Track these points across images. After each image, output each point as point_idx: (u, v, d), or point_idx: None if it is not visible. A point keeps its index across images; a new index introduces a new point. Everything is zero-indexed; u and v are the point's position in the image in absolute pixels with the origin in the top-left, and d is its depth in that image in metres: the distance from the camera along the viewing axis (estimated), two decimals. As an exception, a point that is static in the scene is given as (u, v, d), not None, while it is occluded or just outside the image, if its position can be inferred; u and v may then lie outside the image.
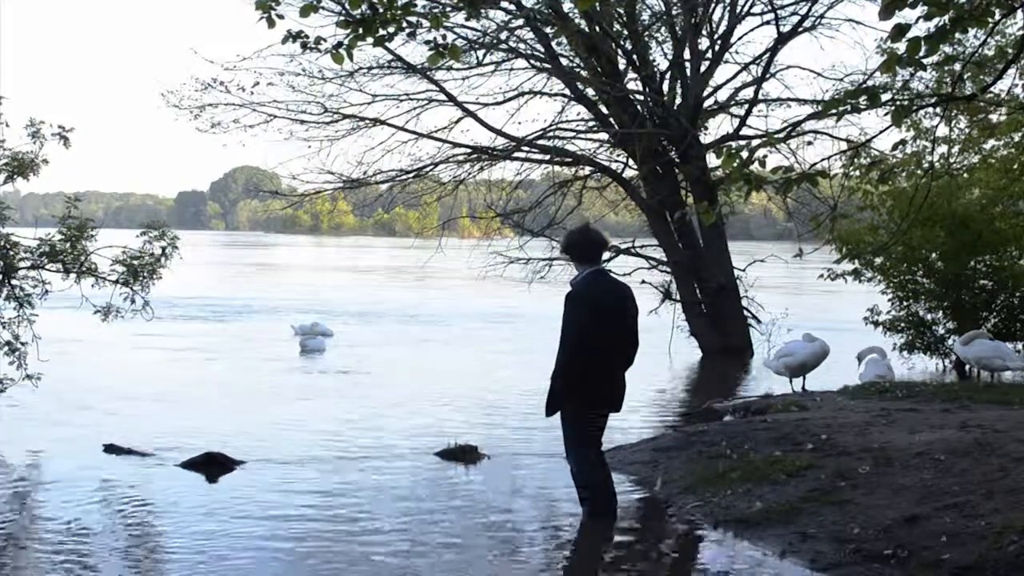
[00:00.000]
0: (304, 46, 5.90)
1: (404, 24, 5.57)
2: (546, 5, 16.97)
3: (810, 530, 6.27)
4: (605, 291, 6.79)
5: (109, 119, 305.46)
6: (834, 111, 5.53)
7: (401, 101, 17.91)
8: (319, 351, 17.04)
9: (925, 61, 5.15)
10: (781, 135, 15.86)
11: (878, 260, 15.51)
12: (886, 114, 5.65)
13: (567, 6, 16.97)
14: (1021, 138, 14.89)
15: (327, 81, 17.68)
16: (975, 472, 6.79)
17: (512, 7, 17.16)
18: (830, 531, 6.19)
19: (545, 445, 9.24)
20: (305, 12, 5.52)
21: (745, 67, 18.08)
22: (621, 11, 17.45)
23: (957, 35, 5.41)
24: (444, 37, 6.13)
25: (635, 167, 18.14)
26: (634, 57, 17.84)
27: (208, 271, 41.81)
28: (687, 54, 17.86)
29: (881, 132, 6.59)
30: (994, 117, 14.17)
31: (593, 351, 6.59)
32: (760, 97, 17.98)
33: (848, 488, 6.87)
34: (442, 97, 17.88)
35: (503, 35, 17.52)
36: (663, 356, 16.92)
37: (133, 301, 10.24)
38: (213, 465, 8.46)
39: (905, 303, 15.86)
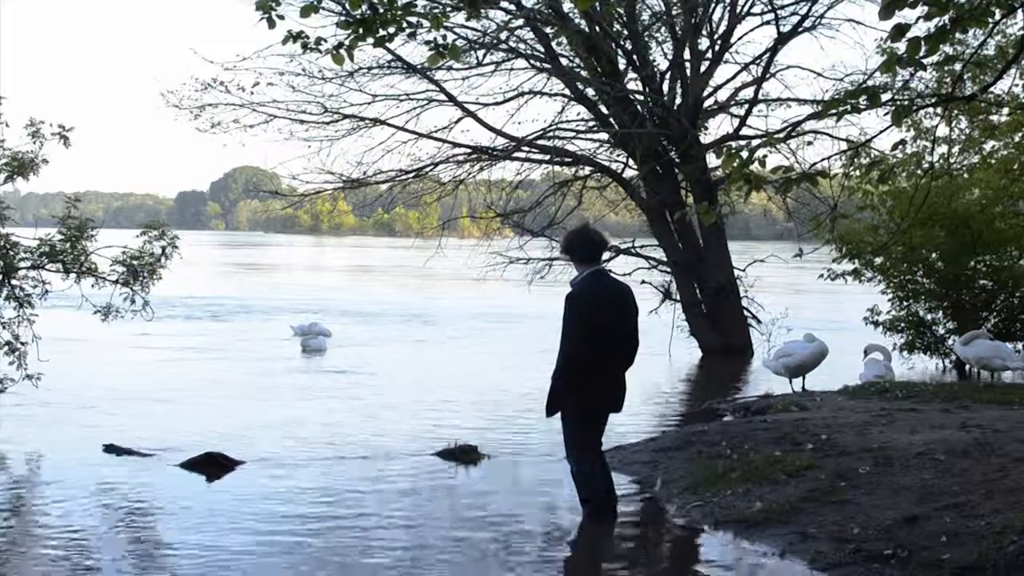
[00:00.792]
0: (304, 47, 5.90)
1: (404, 24, 5.57)
2: (546, 5, 16.97)
3: (810, 530, 6.27)
4: (605, 291, 6.79)
5: (109, 119, 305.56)
6: (834, 111, 5.53)
7: (401, 101, 17.93)
8: (320, 351, 17.04)
9: (925, 61, 5.15)
10: (781, 135, 15.84)
11: (878, 260, 15.51)
12: (886, 114, 5.66)
13: (567, 6, 16.98)
14: (1021, 138, 14.88)
15: (327, 81, 17.70)
16: (975, 472, 6.79)
17: (512, 7, 17.16)
18: (830, 531, 6.19)
19: (545, 445, 9.24)
20: (305, 12, 5.52)
21: (745, 67, 18.10)
22: (621, 11, 17.44)
23: (957, 35, 5.41)
24: (444, 37, 6.14)
25: (635, 167, 18.14)
26: (634, 57, 17.84)
27: (208, 271, 41.83)
28: (687, 54, 17.86)
29: (881, 132, 6.57)
30: (994, 117, 14.16)
31: (593, 351, 6.59)
32: (760, 97, 17.99)
33: (848, 488, 6.87)
34: (442, 97, 17.88)
35: (503, 35, 17.51)
36: (663, 356, 16.92)
37: (133, 301, 10.24)
38: (213, 465, 8.46)
39: (905, 303, 15.87)
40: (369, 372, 14.95)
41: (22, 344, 10.12)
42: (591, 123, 18.61)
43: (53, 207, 57.33)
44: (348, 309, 25.49)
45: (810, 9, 17.50)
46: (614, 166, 18.84)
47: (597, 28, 17.24)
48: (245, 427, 10.32)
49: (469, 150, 18.25)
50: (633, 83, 18.08)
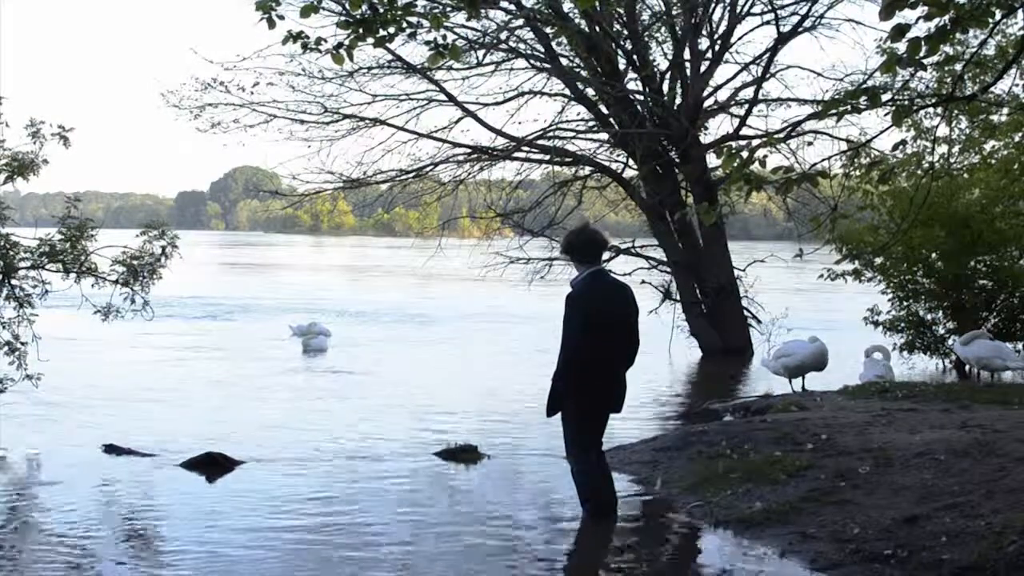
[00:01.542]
0: (304, 47, 5.89)
1: (404, 24, 5.57)
2: (546, 5, 16.96)
3: (810, 530, 6.27)
4: (605, 291, 6.79)
5: (109, 119, 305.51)
6: (834, 111, 5.52)
7: (401, 101, 17.93)
8: (321, 350, 17.05)
9: (925, 61, 5.15)
10: (781, 135, 15.86)
11: (878, 260, 15.51)
12: (886, 114, 5.65)
13: (567, 6, 16.98)
14: (1021, 138, 14.88)
15: (327, 81, 17.71)
16: (975, 472, 6.79)
17: (512, 7, 17.16)
18: (830, 531, 6.19)
19: (545, 445, 9.24)
20: (306, 13, 5.52)
21: (745, 67, 18.09)
22: (621, 11, 17.44)
23: (957, 35, 5.41)
24: (444, 37, 6.12)
25: (635, 167, 18.14)
26: (634, 57, 17.84)
27: (208, 271, 41.83)
28: (687, 54, 17.86)
29: (881, 132, 6.58)
30: (995, 117, 14.17)
31: (594, 351, 6.59)
32: (760, 97, 17.98)
33: (848, 488, 6.87)
34: (442, 97, 17.89)
35: (503, 35, 17.51)
36: (663, 356, 16.92)
37: (133, 301, 10.24)
38: (213, 465, 8.46)
39: (905, 303, 15.86)
40: (369, 372, 14.95)
41: (22, 344, 10.11)
42: (591, 123, 18.62)
43: (53, 207, 57.31)
44: (348, 309, 25.50)
45: (810, 9, 17.52)
46: (614, 166, 18.85)
47: (597, 28, 17.24)
48: (245, 427, 10.32)
49: (469, 150, 18.26)
50: (633, 83, 18.09)
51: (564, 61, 17.97)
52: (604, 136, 18.67)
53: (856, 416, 9.15)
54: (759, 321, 18.23)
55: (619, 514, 6.96)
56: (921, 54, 4.97)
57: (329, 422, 10.79)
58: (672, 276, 18.26)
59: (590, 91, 17.92)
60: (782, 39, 17.45)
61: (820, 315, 22.35)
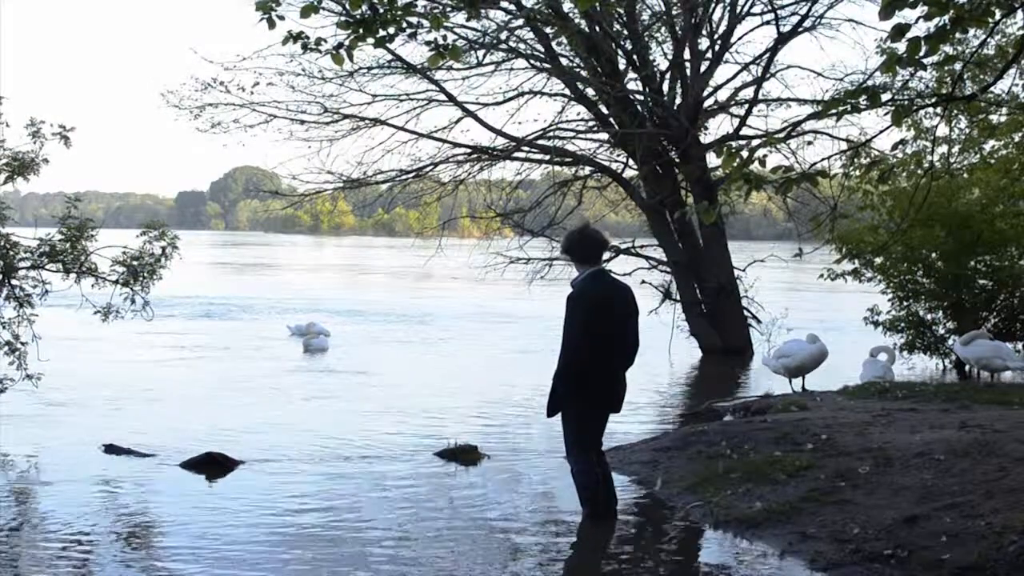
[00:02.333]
0: (304, 47, 5.89)
1: (404, 25, 5.57)
2: (546, 5, 16.95)
3: (810, 530, 6.27)
4: (606, 291, 6.79)
5: (109, 119, 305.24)
6: (834, 111, 5.52)
7: (401, 101, 17.93)
8: (322, 350, 17.07)
9: (925, 61, 5.15)
10: (781, 135, 15.85)
11: (878, 260, 15.51)
12: (886, 114, 5.65)
13: (567, 6, 16.97)
14: (1021, 138, 14.88)
15: (327, 81, 17.70)
16: (975, 472, 6.79)
17: (512, 7, 17.17)
18: (830, 531, 6.19)
19: (545, 445, 9.25)
20: (306, 13, 5.52)
21: (745, 67, 18.10)
22: (621, 11, 17.44)
23: (957, 35, 5.41)
24: (444, 37, 6.13)
25: (635, 167, 18.14)
26: (634, 57, 17.84)
27: (207, 270, 41.83)
28: (687, 54, 17.86)
29: (881, 132, 6.57)
30: (994, 117, 14.17)
31: (594, 352, 6.59)
32: (760, 97, 17.99)
33: (848, 488, 6.87)
34: (442, 97, 17.89)
35: (503, 35, 17.51)
36: (663, 356, 16.92)
37: (133, 301, 10.24)
38: (213, 465, 8.46)
39: (905, 303, 15.86)
40: (369, 372, 14.95)
41: (22, 344, 10.11)
42: (591, 123, 18.62)
43: (53, 207, 57.26)
44: (347, 309, 25.50)
45: (810, 9, 17.52)
46: (614, 166, 18.85)
47: (597, 28, 17.24)
48: (245, 427, 10.32)
49: (469, 150, 18.26)
50: (633, 83, 18.09)
51: (564, 61, 17.97)
52: (604, 136, 18.67)
53: (856, 416, 9.15)
54: (759, 321, 18.23)
55: (619, 514, 6.96)
56: (921, 54, 4.97)
57: (329, 422, 10.78)
58: (672, 276, 18.26)
59: (590, 91, 17.92)
60: (782, 39, 17.46)
61: (820, 315, 22.35)
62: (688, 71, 17.92)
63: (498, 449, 9.32)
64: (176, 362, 15.68)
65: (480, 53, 17.60)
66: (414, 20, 5.68)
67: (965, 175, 15.87)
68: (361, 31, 5.51)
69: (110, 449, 8.99)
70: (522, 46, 17.98)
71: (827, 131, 17.09)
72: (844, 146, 15.39)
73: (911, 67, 5.56)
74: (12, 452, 9.19)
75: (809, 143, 17.94)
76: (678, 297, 18.17)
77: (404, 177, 18.59)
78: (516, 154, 18.41)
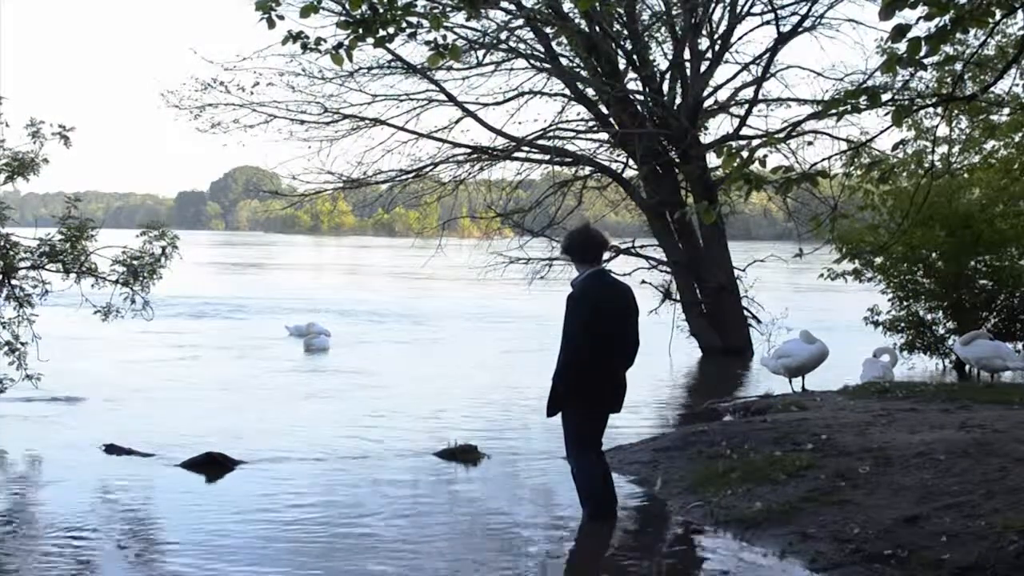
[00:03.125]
0: (304, 47, 5.89)
1: (404, 25, 5.57)
2: (546, 5, 16.96)
3: (810, 530, 6.27)
4: (606, 291, 6.79)
5: (109, 119, 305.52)
6: (834, 111, 5.52)
7: (401, 101, 17.93)
8: (323, 350, 17.08)
9: (926, 61, 5.15)
10: (781, 135, 15.85)
11: (878, 260, 15.51)
12: (886, 114, 5.65)
13: (567, 6, 16.97)
14: (1022, 138, 14.88)
15: (327, 81, 17.70)
16: (975, 472, 6.79)
17: (512, 7, 17.16)
18: (830, 531, 6.19)
19: (545, 445, 9.24)
20: (305, 13, 5.52)
21: (745, 67, 18.09)
22: (621, 11, 17.44)
23: (958, 35, 5.41)
24: (444, 37, 6.13)
25: (635, 167, 18.13)
26: (634, 57, 17.84)
27: (208, 270, 41.83)
28: (687, 54, 17.85)
29: (881, 132, 6.59)
30: (995, 117, 14.17)
31: (594, 351, 6.59)
32: (760, 97, 17.99)
33: (848, 488, 6.87)
34: (442, 97, 17.88)
35: (503, 35, 17.51)
36: (663, 356, 16.91)
37: (133, 301, 10.24)
38: (213, 465, 8.46)
39: (905, 303, 15.86)
40: (369, 372, 14.95)
41: (22, 344, 10.12)
42: (591, 123, 18.61)
43: (53, 207, 57.31)
44: (347, 309, 25.51)
45: (810, 9, 17.52)
46: (614, 166, 18.85)
47: (597, 28, 17.24)
48: (245, 427, 10.32)
49: (469, 150, 18.26)
50: (633, 83, 18.09)
51: (564, 61, 17.97)
52: (604, 136, 18.67)
53: (856, 416, 9.15)
54: (759, 321, 18.22)
55: (619, 514, 6.96)
56: (921, 54, 4.96)
57: (329, 422, 10.78)
58: (672, 276, 18.26)
59: (590, 91, 17.92)
60: (782, 39, 17.45)
61: (820, 315, 22.33)
62: (688, 71, 17.92)
63: (498, 449, 9.32)
64: (176, 362, 15.68)
65: (480, 53, 17.61)
66: (414, 20, 5.69)
67: (965, 175, 15.87)
68: (361, 31, 5.51)
69: (111, 449, 8.99)
70: (522, 46, 18.00)
71: (827, 131, 17.09)
72: (844, 146, 15.37)
73: (911, 67, 5.57)
74: (12, 452, 9.19)
75: (809, 143, 17.96)
76: (678, 297, 18.16)
77: (404, 177, 18.59)
78: (516, 154, 18.42)
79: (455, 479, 8.40)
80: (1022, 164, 14.73)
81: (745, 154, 5.45)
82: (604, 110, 17.96)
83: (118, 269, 10.15)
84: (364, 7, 5.41)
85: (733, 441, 8.44)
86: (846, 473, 7.14)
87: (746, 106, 17.99)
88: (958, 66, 11.03)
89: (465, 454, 8.95)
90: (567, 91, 18.17)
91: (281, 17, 5.61)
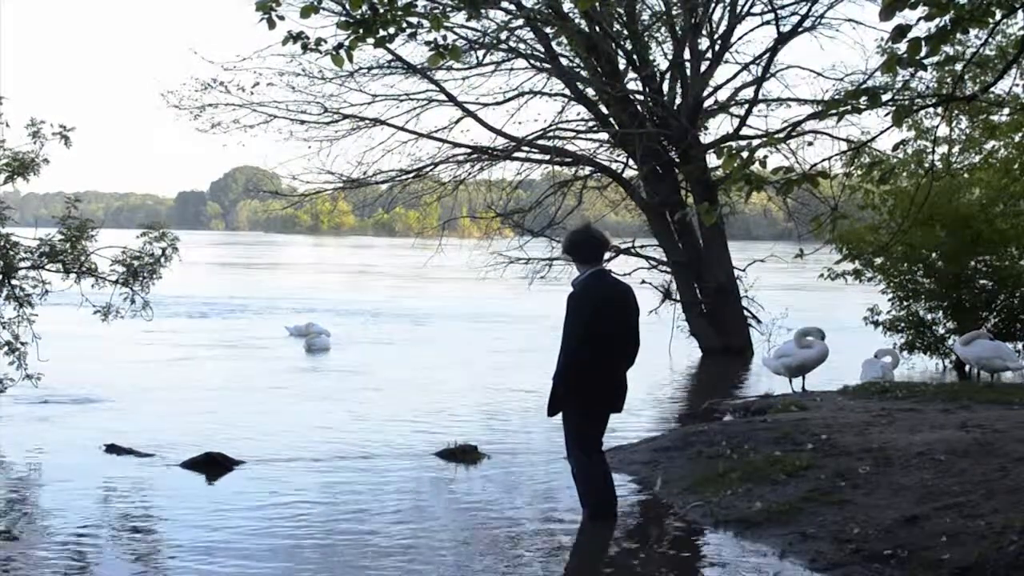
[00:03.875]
0: (304, 47, 5.89)
1: (404, 25, 5.57)
2: (546, 5, 16.96)
3: (810, 530, 6.27)
4: (606, 291, 6.79)
5: (109, 119, 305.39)
6: (834, 111, 5.53)
7: (401, 101, 17.94)
8: (324, 350, 17.09)
9: (926, 62, 5.15)
10: (781, 135, 15.84)
11: (878, 260, 15.51)
12: (887, 114, 5.66)
13: (567, 6, 16.97)
14: (1022, 138, 14.88)
15: (327, 81, 17.71)
16: (975, 472, 6.79)
17: (512, 7, 17.16)
18: (830, 531, 6.19)
19: (545, 445, 9.24)
20: (306, 13, 5.52)
21: (745, 67, 18.08)
22: (621, 11, 17.44)
23: (958, 35, 5.41)
24: (444, 37, 6.13)
25: (635, 167, 18.14)
26: (634, 57, 17.84)
27: (208, 270, 41.83)
28: (687, 54, 17.86)
29: (882, 132, 6.59)
30: (995, 117, 14.17)
31: (595, 351, 6.59)
32: (760, 97, 17.98)
33: (848, 488, 6.87)
34: (442, 97, 17.89)
35: (503, 35, 17.51)
36: (663, 356, 16.92)
37: (133, 301, 10.24)
38: (213, 465, 8.46)
39: (905, 303, 15.86)
40: (369, 372, 14.95)
41: (22, 344, 10.12)
42: (591, 123, 18.62)
43: (53, 207, 57.28)
44: (348, 309, 25.51)
45: (810, 9, 17.52)
46: (614, 166, 18.85)
47: (597, 28, 17.24)
48: (245, 427, 10.32)
49: (469, 150, 18.26)
50: (633, 83, 18.09)
51: (564, 61, 17.97)
52: (604, 136, 18.67)
53: (856, 416, 9.15)
54: (759, 321, 18.23)
55: (619, 514, 6.96)
56: (922, 54, 4.97)
57: (329, 422, 10.78)
58: (672, 276, 18.26)
59: (590, 91, 17.92)
60: (782, 39, 17.45)
61: (820, 315, 22.32)
62: (688, 71, 17.92)
63: (498, 449, 9.32)
64: (176, 362, 15.67)
65: (480, 53, 17.61)
66: (414, 20, 5.69)
67: (965, 175, 15.88)
68: (361, 31, 5.51)
69: (111, 449, 8.99)
70: (522, 46, 18.00)
71: (827, 131, 17.09)
72: (844, 146, 15.39)
73: (912, 67, 5.56)
74: (12, 452, 9.19)
75: (809, 143, 17.96)
76: (678, 297, 18.17)
77: (404, 177, 18.60)
78: (516, 154, 18.42)
79: (455, 479, 8.40)
80: (1022, 164, 14.73)
81: (745, 154, 5.46)
82: (604, 110, 17.96)
83: (118, 269, 10.15)
84: (364, 7, 5.41)
85: (733, 441, 8.44)
86: (846, 473, 7.14)
87: (746, 106, 17.99)
88: (958, 66, 11.03)
89: (465, 454, 8.96)
90: (567, 91, 18.18)
91: (281, 17, 5.61)
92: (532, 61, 18.07)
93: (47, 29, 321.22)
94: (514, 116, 19.31)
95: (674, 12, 18.04)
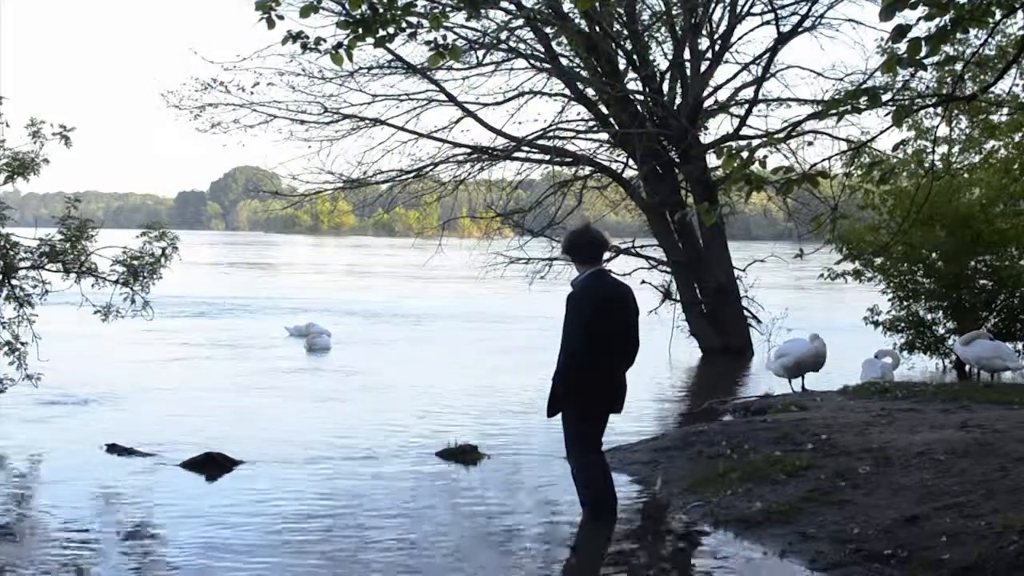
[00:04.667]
0: (304, 47, 5.89)
1: (404, 25, 5.57)
2: (546, 5, 16.96)
3: (810, 530, 6.27)
4: (606, 291, 6.79)
5: (109, 119, 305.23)
6: (835, 111, 5.53)
7: (401, 101, 17.95)
8: (325, 350, 17.10)
9: (926, 61, 5.15)
10: (781, 135, 15.84)
11: (878, 260, 15.52)
12: (887, 114, 5.65)
13: (567, 6, 16.98)
14: (1022, 138, 14.89)
15: (327, 81, 17.71)
16: (975, 472, 6.79)
17: (512, 7, 17.17)
18: (830, 531, 6.19)
19: (545, 445, 9.24)
20: (305, 13, 5.52)
21: (745, 67, 18.09)
22: (621, 11, 17.45)
23: (958, 35, 5.41)
24: (444, 37, 6.13)
25: (635, 167, 18.14)
26: (634, 57, 17.84)
27: (208, 270, 41.82)
28: (687, 54, 17.86)
29: (882, 132, 6.59)
30: (995, 117, 14.18)
31: (594, 352, 6.59)
32: (760, 97, 17.99)
33: (848, 488, 6.87)
34: (442, 97, 17.89)
35: (503, 35, 17.52)
36: (663, 356, 16.92)
37: (133, 301, 10.25)
38: (213, 465, 8.46)
39: (905, 303, 15.86)
40: (369, 371, 14.95)
41: (22, 344, 10.12)
42: (591, 123, 18.62)
43: (53, 207, 57.32)
44: (348, 309, 25.51)
45: (810, 9, 17.53)
46: (614, 166, 18.86)
47: (597, 28, 17.24)
48: (245, 427, 10.32)
49: (469, 150, 18.26)
50: (633, 83, 18.09)
51: (564, 61, 17.98)
52: (604, 136, 18.67)
53: (856, 416, 9.15)
54: (759, 321, 18.23)
55: (619, 514, 6.96)
56: (921, 54, 4.97)
57: (329, 422, 10.78)
58: (672, 276, 18.27)
59: (590, 91, 17.92)
60: (782, 39, 17.46)
61: (820, 315, 22.34)
62: (688, 71, 17.92)
63: (498, 449, 9.32)
64: (176, 362, 15.67)
65: (480, 53, 17.62)
66: (414, 20, 5.69)
67: (965, 175, 15.88)
68: (361, 31, 5.51)
69: (112, 449, 8.99)
70: (522, 46, 18.01)
71: (827, 131, 17.09)
72: (844, 146, 15.39)
73: (912, 67, 5.56)
74: (12, 452, 9.19)
75: (809, 143, 17.97)
76: (678, 297, 18.17)
77: (404, 177, 18.60)
78: (516, 154, 18.42)
79: (455, 479, 8.40)
80: (1022, 164, 14.74)
81: (745, 154, 5.45)
82: (604, 110, 17.96)
83: (118, 269, 10.15)
84: (364, 7, 5.42)
85: (733, 441, 8.44)
86: (846, 473, 7.14)
87: (746, 106, 17.99)
88: (958, 66, 11.02)
89: (465, 454, 8.96)
90: (567, 91, 18.18)
91: (281, 17, 5.61)
92: (532, 61, 18.08)
93: (47, 29, 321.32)
94: (514, 116, 19.35)
95: (674, 12, 18.04)
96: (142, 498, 7.64)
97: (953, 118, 14.68)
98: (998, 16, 5.42)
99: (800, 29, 17.65)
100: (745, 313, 18.17)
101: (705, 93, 17.99)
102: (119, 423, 10.29)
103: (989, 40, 11.90)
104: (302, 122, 17.89)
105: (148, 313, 10.32)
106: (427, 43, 5.88)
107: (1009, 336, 15.15)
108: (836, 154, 12.73)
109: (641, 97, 17.94)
